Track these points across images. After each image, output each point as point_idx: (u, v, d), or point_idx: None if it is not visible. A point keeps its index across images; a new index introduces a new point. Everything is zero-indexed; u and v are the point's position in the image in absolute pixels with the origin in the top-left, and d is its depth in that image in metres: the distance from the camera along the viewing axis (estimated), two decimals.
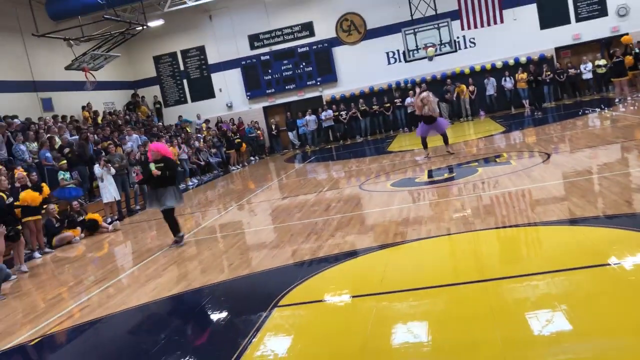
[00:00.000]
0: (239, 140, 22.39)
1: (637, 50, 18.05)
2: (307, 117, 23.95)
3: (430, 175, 11.10)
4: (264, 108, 25.30)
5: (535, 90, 21.36)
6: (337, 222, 8.31)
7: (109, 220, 12.44)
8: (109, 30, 18.35)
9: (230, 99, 25.28)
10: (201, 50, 25.21)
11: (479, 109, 23.24)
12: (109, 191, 12.87)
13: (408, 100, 22.87)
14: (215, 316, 5.33)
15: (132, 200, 14.55)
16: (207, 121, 24.18)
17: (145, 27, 17.83)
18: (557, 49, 22.98)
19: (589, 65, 22.06)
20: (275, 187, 14.08)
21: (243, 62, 24.72)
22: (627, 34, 20.60)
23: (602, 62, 21.66)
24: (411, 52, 21.04)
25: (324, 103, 24.38)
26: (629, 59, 17.54)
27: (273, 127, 24.61)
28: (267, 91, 24.75)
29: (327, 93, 24.64)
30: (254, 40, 24.73)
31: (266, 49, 24.63)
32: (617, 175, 7.76)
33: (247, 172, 19.72)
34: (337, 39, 24.25)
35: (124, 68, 24.85)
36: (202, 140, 21.09)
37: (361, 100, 23.73)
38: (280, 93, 24.82)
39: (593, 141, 11.27)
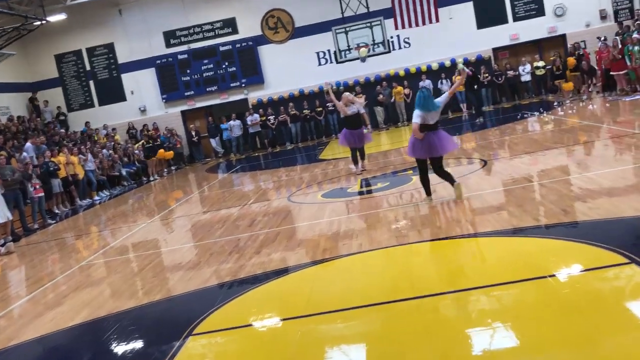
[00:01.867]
0: (167, 146, 21.98)
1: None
2: (232, 122, 23.79)
3: (363, 184, 11.23)
4: (183, 112, 24.94)
5: (473, 93, 22.00)
6: (262, 238, 8.26)
7: (1, 242, 11.83)
8: (2, 25, 17.57)
9: (143, 102, 24.75)
10: (110, 48, 24.58)
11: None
12: None
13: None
14: (122, 348, 5.14)
15: (30, 217, 13.93)
16: (113, 129, 23.59)
17: (44, 21, 17.20)
18: (495, 50, 23.91)
19: (528, 67, 23.08)
20: (195, 200, 13.90)
21: (158, 62, 24.30)
22: (563, 35, 21.77)
23: (541, 63, 22.75)
24: (343, 53, 21.31)
25: (250, 107, 24.32)
26: (571, 60, 18.45)
27: (193, 133, 24.29)
28: (186, 93, 24.43)
29: (253, 96, 24.58)
30: (170, 37, 24.36)
31: (184, 47, 24.33)
32: (554, 183, 8.11)
33: (163, 184, 19.33)
34: (262, 37, 24.27)
35: (20, 68, 23.86)
36: (112, 149, 20.50)
37: (291, 104, 23.83)
38: (201, 95, 24.55)
39: (531, 147, 11.75)
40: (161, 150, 21.81)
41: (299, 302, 5.39)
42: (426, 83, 23.37)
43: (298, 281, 6.12)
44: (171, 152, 22.51)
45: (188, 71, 24.29)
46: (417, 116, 7.92)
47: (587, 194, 7.24)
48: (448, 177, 8.26)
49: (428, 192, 8.44)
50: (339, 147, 21.19)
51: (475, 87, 18.78)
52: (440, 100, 8.22)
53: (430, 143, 7.96)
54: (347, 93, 12.89)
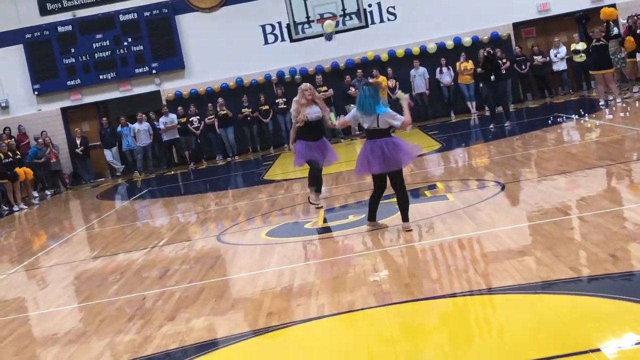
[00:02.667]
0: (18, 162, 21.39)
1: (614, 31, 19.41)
2: (136, 126, 23.68)
3: (328, 218, 11.24)
4: (64, 110, 24.73)
5: (493, 87, 21.24)
6: (178, 296, 8.19)
7: None
8: None
9: (5, 95, 24.44)
10: None
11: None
12: None
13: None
14: None
15: None
16: None
17: None
18: (517, 26, 24.39)
19: (563, 51, 23.59)
20: (80, 241, 13.77)
21: (28, 36, 24.19)
22: (612, 5, 22.25)
23: (581, 45, 23.11)
24: (299, 27, 21.47)
25: (164, 103, 24.30)
26: (630, 41, 18.66)
27: (78, 141, 24.05)
28: (69, 82, 24.33)
29: (169, 87, 24.58)
30: (47, 0, 24.18)
31: (67, 15, 24.26)
32: (599, 216, 8.24)
33: (33, 216, 19.05)
34: (183, 1, 24.33)
35: None
36: None
37: (221, 100, 23.81)
38: (91, 86, 24.48)
39: (568, 164, 11.95)
40: (21, 168, 21.29)
41: None
42: (420, 71, 23.70)
43: None
44: (26, 171, 21.81)
45: (72, 50, 24.20)
46: (350, 113, 9.35)
47: None
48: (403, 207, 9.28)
49: (371, 217, 9.47)
50: (291, 163, 21.22)
51: (493, 78, 18.56)
52: (385, 110, 9.10)
53: (375, 154, 8.95)
54: (305, 84, 12.52)
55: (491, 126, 18.78)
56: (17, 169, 21.24)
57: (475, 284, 6.75)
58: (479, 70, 21.35)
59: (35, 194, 22.46)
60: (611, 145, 13.25)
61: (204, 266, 9.48)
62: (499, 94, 19.32)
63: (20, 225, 17.82)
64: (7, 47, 24.22)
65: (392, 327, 6.15)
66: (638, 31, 19.37)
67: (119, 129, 23.98)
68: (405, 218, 9.21)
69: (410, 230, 9.17)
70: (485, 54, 19.02)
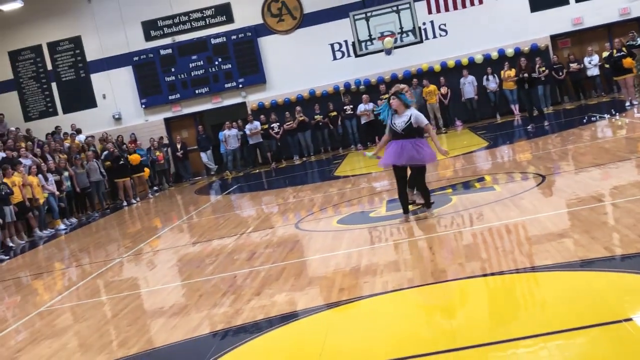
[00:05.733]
0: (136, 161, 21.66)
1: (637, 42, 18.99)
2: (227, 132, 23.93)
3: (389, 207, 11.20)
4: (166, 120, 25.15)
5: (527, 92, 20.96)
6: (263, 275, 8.25)
7: None
8: None
9: (118, 108, 24.98)
10: (77, 42, 24.92)
11: (454, 117, 23.83)
12: None
13: (361, 107, 23.22)
14: None
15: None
16: (90, 138, 23.42)
17: None
18: (554, 38, 23.94)
19: (595, 58, 23.06)
20: (182, 230, 13.93)
21: (135, 59, 24.58)
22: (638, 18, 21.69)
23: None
24: (363, 44, 21.41)
25: (249, 112, 24.50)
26: (628, 61, 18.39)
27: (179, 146, 24.44)
28: (170, 97, 24.67)
29: (253, 99, 24.76)
30: (150, 28, 24.66)
31: (167, 40, 24.63)
32: (631, 203, 8.04)
33: (142, 210, 19.42)
34: (264, 25, 24.53)
35: None
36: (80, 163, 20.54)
37: (298, 108, 23.96)
38: (189, 99, 24.79)
39: (601, 157, 11.69)
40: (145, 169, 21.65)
41: (311, 356, 5.35)
42: (469, 79, 23.45)
43: (308, 329, 6.08)
44: (146, 169, 22.28)
45: (173, 70, 24.56)
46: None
47: None
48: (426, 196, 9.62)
49: (405, 210, 9.63)
50: (359, 160, 21.33)
51: (527, 86, 18.35)
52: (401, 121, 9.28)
53: (403, 149, 9.17)
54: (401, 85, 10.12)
55: (529, 127, 18.42)
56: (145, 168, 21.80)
57: (520, 263, 6.65)
58: (520, 77, 21.11)
59: (155, 188, 22.87)
60: (639, 140, 12.93)
61: (285, 250, 9.54)
62: (533, 100, 19.14)
63: (132, 217, 18.18)
64: (119, 69, 24.75)
65: (448, 302, 6.10)
66: None
67: (217, 135, 24.24)
68: (428, 205, 9.76)
69: (434, 216, 9.56)
70: (524, 64, 18.71)
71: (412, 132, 9.23)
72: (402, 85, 9.84)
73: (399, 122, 9.25)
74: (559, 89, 23.86)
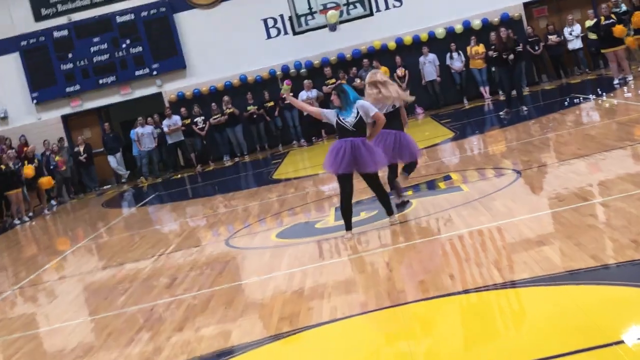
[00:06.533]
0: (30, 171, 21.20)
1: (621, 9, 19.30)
2: (139, 130, 23.69)
3: (339, 215, 11.19)
4: (64, 118, 24.81)
5: (509, 70, 19.21)
6: (188, 305, 8.19)
7: None
8: None
9: (3, 105, 24.51)
10: None
11: (413, 104, 23.93)
12: None
13: (303, 95, 23.19)
14: None
15: None
16: None
17: None
18: (528, 6, 24.31)
19: (577, 28, 23.46)
20: (88, 251, 13.81)
21: (23, 43, 24.23)
22: None
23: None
24: (302, 19, 21.44)
25: (167, 105, 24.32)
26: (619, 29, 18.63)
27: (81, 149, 24.09)
28: (68, 89, 24.39)
29: (171, 88, 24.59)
30: (41, 5, 24.33)
31: (62, 20, 24.33)
32: (621, 200, 8.17)
33: (38, 228, 19.12)
34: None
35: None
36: None
37: (226, 98, 23.82)
38: (91, 91, 24.54)
39: (586, 147, 11.88)
40: (44, 179, 21.30)
41: None
42: (429, 58, 23.65)
43: None
44: (49, 178, 21.95)
45: (70, 55, 24.23)
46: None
47: None
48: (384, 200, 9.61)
49: (348, 226, 9.42)
50: (302, 159, 21.30)
51: (511, 57, 18.12)
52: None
53: (353, 153, 9.08)
54: (375, 71, 10.67)
55: (504, 112, 18.55)
56: (42, 178, 21.27)
57: (493, 278, 6.69)
58: (490, 53, 21.30)
59: (53, 202, 22.47)
60: (631, 125, 13.18)
61: (213, 272, 9.48)
62: (515, 78, 18.90)
63: (26, 238, 17.86)
64: (2, 56, 24.26)
65: (407, 328, 6.10)
66: None
67: (132, 132, 23.96)
68: (389, 212, 9.66)
69: (396, 222, 9.53)
70: (504, 35, 18.39)
71: (363, 128, 9.23)
72: (378, 74, 10.08)
73: (349, 118, 9.20)
74: (535, 67, 24.21)
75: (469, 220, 8.91)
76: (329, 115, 9.39)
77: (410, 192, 11.61)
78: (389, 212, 9.66)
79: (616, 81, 18.66)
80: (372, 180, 9.46)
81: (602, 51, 19.85)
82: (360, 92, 10.22)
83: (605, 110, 16.34)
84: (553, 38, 23.50)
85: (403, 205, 10.43)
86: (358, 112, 9.14)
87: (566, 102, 18.53)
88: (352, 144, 9.09)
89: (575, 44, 23.52)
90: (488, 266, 7.08)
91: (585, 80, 22.40)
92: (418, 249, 8.33)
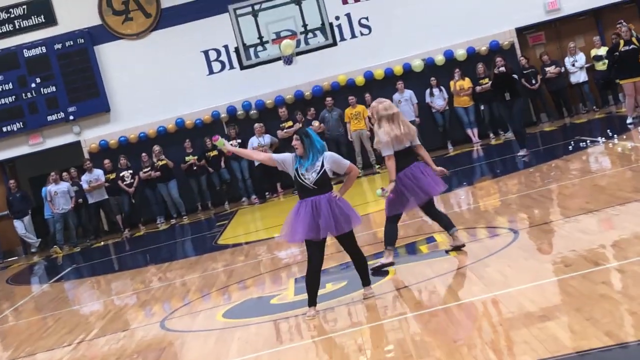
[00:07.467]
0: None
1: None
2: (53, 187, 23.55)
3: (299, 288, 11.17)
4: None
5: (509, 106, 19.28)
6: None
7: None
8: None
9: None
10: None
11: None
12: None
13: (254, 142, 23.22)
14: None
15: None
16: None
17: None
18: (521, 31, 24.63)
19: (581, 58, 23.77)
20: None
21: None
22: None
23: (603, 50, 23.29)
24: (251, 50, 21.56)
25: (87, 157, 24.21)
26: None
27: None
28: None
29: (92, 136, 24.60)
30: None
31: None
32: (637, 264, 8.24)
33: None
34: (103, 27, 24.51)
35: None
36: None
37: (157, 148, 23.80)
38: None
39: (595, 200, 11.99)
40: None
41: None
42: (405, 95, 23.74)
43: None
44: None
45: None
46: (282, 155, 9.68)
47: None
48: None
49: (312, 301, 9.44)
50: (253, 219, 21.21)
51: (508, 96, 18.38)
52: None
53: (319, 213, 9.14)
54: (384, 101, 10.87)
55: (521, 153, 18.53)
56: None
57: None
58: (477, 89, 21.57)
59: None
60: None
61: None
62: (514, 116, 18.96)
63: None
64: None
65: None
66: None
67: (43, 190, 23.78)
68: (366, 281, 9.62)
69: (373, 295, 9.48)
70: (497, 71, 18.51)
71: (327, 183, 9.30)
72: (382, 105, 10.43)
73: (308, 173, 9.19)
74: (532, 104, 24.41)
75: (457, 291, 8.94)
76: (286, 161, 9.37)
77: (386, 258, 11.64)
78: (366, 282, 9.62)
79: (630, 120, 18.85)
80: (347, 241, 9.48)
81: (620, 82, 19.85)
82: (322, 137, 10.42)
83: (617, 155, 16.50)
84: (551, 70, 23.73)
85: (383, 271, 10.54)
86: (322, 166, 9.13)
87: (570, 146, 18.64)
88: (314, 204, 9.11)
89: (579, 77, 23.82)
90: (482, 347, 7.08)
91: (593, 119, 22.66)
92: (397, 328, 8.29)
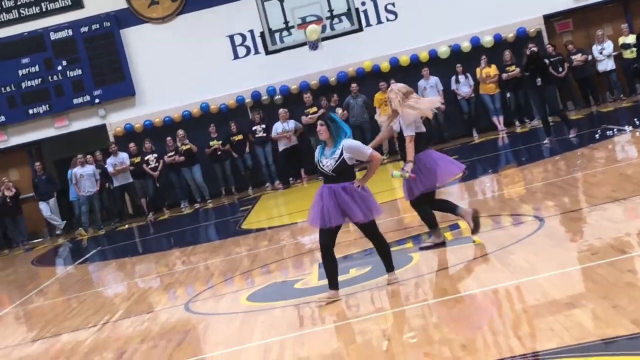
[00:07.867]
0: None
1: None
2: (78, 170, 23.62)
3: (324, 273, 11.18)
4: None
5: (540, 92, 19.51)
6: None
7: None
8: None
9: None
10: None
11: None
12: None
13: (278, 127, 23.23)
14: None
15: None
16: None
17: None
18: (549, 19, 24.51)
19: (609, 46, 23.63)
20: (14, 319, 13.73)
21: None
22: None
23: (632, 38, 23.21)
24: (277, 35, 21.54)
25: (112, 140, 24.28)
26: None
27: (6, 193, 23.97)
28: None
29: (117, 120, 24.64)
30: None
31: None
32: None
33: None
34: (129, 11, 24.52)
35: None
36: None
37: (182, 133, 23.81)
38: (18, 123, 24.54)
39: (622, 188, 11.93)
40: None
41: None
42: (431, 82, 23.69)
43: None
44: None
45: None
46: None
47: None
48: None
49: (333, 284, 9.43)
50: (277, 204, 21.23)
51: (539, 82, 18.41)
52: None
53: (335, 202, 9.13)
54: (399, 86, 10.70)
55: (546, 141, 18.60)
56: None
57: (512, 349, 6.67)
58: (503, 76, 21.44)
59: None
60: None
61: (170, 344, 9.38)
62: (549, 102, 19.16)
63: None
64: None
65: None
66: None
67: (69, 172, 23.92)
68: (390, 267, 9.57)
69: (397, 281, 9.43)
70: (529, 52, 18.58)
71: (347, 172, 9.25)
72: (400, 89, 10.29)
73: (327, 160, 9.20)
74: (559, 92, 24.29)
75: (482, 278, 8.92)
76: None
77: (409, 245, 11.62)
78: (389, 268, 9.58)
79: None
80: (367, 229, 9.45)
81: None
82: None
83: None
84: (578, 57, 23.64)
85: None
86: (341, 155, 9.08)
87: (597, 135, 18.61)
88: (333, 191, 9.10)
89: (607, 65, 23.71)
90: (506, 334, 7.07)
91: (620, 108, 22.53)
92: (421, 314, 8.29)
